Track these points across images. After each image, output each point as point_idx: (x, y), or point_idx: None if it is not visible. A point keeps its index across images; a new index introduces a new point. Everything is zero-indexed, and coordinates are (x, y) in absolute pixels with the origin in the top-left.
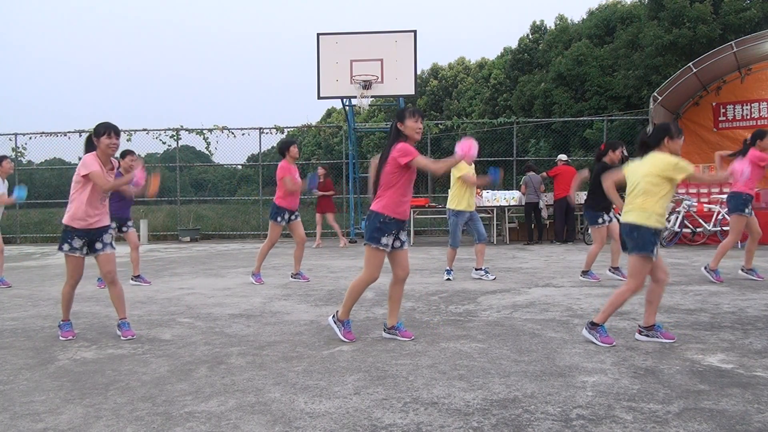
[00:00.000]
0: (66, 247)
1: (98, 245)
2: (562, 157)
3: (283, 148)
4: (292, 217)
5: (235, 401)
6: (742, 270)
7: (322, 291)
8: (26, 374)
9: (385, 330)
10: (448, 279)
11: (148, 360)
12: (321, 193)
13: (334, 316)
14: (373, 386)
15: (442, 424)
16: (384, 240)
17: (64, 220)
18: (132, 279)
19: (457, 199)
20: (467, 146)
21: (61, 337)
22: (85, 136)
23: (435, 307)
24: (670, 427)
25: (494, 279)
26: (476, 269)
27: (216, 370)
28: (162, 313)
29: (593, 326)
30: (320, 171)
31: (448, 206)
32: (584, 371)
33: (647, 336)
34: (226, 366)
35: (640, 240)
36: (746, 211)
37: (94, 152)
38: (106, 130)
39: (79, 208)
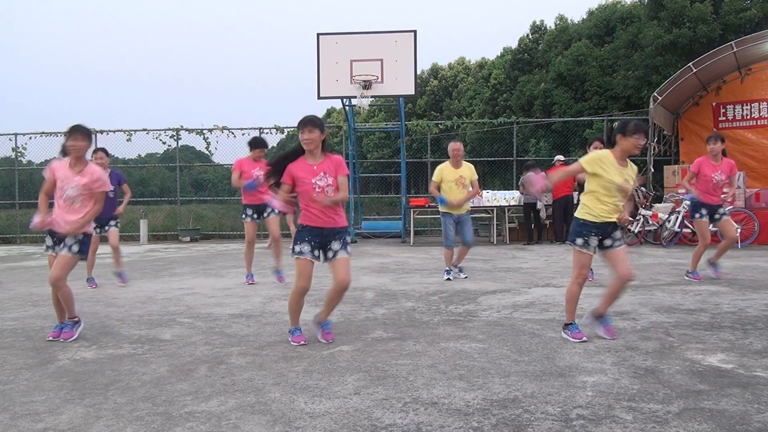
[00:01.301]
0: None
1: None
2: (560, 157)
3: (249, 145)
4: (265, 214)
5: (235, 401)
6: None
7: (322, 291)
8: (26, 374)
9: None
10: (448, 279)
11: (148, 360)
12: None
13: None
14: (373, 386)
15: (442, 424)
16: (297, 248)
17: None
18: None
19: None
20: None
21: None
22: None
23: (435, 307)
24: (670, 427)
25: (465, 278)
26: (454, 266)
27: (216, 370)
28: (162, 313)
29: (565, 326)
30: None
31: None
32: (584, 371)
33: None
34: (226, 366)
35: (571, 231)
36: (697, 215)
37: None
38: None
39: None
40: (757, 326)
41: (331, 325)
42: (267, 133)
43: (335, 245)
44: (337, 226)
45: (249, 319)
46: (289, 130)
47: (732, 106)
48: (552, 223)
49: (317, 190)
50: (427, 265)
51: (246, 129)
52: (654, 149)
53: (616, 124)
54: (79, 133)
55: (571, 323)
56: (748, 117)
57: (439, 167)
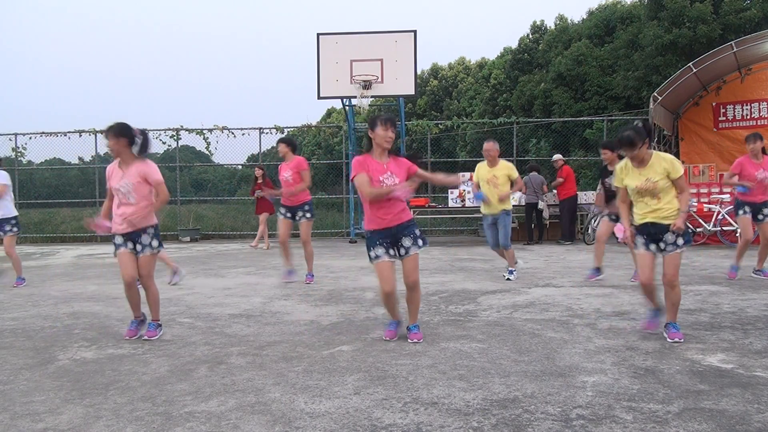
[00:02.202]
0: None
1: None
2: (559, 156)
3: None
4: (297, 217)
5: (235, 401)
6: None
7: (322, 291)
8: (26, 374)
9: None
10: (508, 279)
11: (148, 360)
12: (263, 194)
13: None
14: (373, 386)
15: (442, 424)
16: (372, 252)
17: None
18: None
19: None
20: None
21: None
22: (84, 136)
23: (435, 307)
24: (670, 427)
25: (507, 279)
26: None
27: (216, 370)
28: (162, 313)
29: (665, 325)
30: (258, 171)
31: None
32: (584, 371)
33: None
34: (226, 366)
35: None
36: (740, 212)
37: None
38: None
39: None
40: (757, 326)
41: (419, 327)
42: (267, 133)
43: (406, 242)
44: (404, 221)
45: (249, 319)
46: (289, 130)
47: (732, 106)
48: (554, 223)
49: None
50: (427, 265)
51: (246, 129)
52: (654, 149)
53: (638, 122)
54: (112, 131)
55: (656, 309)
56: (748, 117)
57: (477, 166)
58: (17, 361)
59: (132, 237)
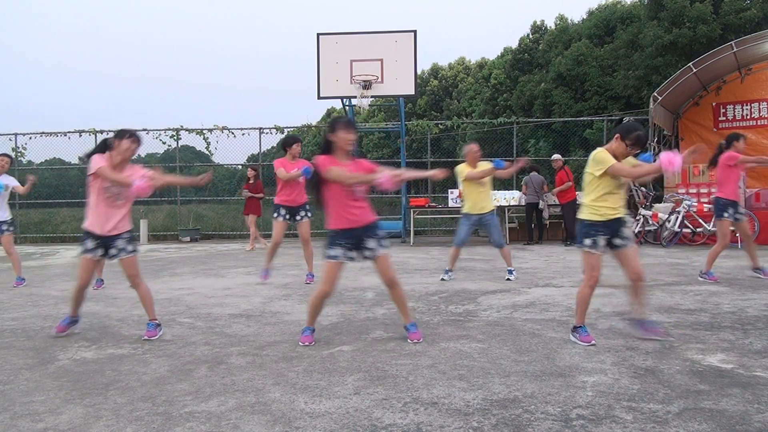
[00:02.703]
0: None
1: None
2: (557, 156)
3: (284, 145)
4: (298, 217)
5: (235, 401)
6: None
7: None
8: (26, 374)
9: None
10: (443, 279)
11: (148, 360)
12: (250, 194)
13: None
14: (373, 386)
15: (442, 424)
16: (331, 251)
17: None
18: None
19: (463, 202)
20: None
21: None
22: (84, 136)
23: (435, 307)
24: (670, 427)
25: (508, 279)
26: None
27: (216, 370)
28: (162, 313)
29: (574, 329)
30: (250, 172)
31: None
32: (584, 371)
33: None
34: (226, 366)
35: (578, 233)
36: (725, 215)
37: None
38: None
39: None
40: (757, 326)
41: (417, 325)
42: (267, 133)
43: (371, 243)
44: (368, 223)
45: (249, 319)
46: (289, 129)
47: (732, 106)
48: (564, 224)
49: (352, 191)
50: (427, 265)
51: (246, 129)
52: (654, 149)
53: (628, 119)
54: (136, 137)
55: (581, 326)
56: (748, 117)
57: (457, 168)
58: (17, 361)
59: (105, 243)
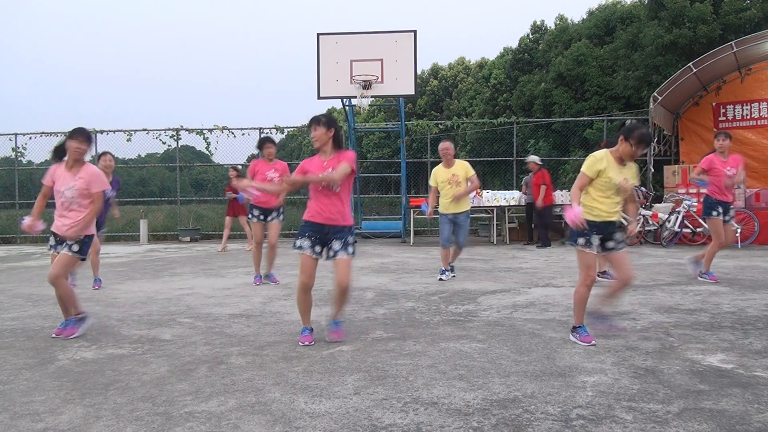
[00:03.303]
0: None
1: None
2: (534, 158)
3: (258, 146)
4: (269, 218)
5: (235, 401)
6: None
7: (322, 291)
8: (26, 374)
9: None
10: (441, 279)
11: (148, 360)
12: (234, 195)
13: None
14: (373, 386)
15: (442, 424)
16: (298, 242)
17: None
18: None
19: (440, 202)
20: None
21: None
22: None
23: (435, 307)
24: (670, 427)
25: (453, 277)
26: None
27: (216, 370)
28: (162, 313)
29: (574, 329)
30: (232, 173)
31: None
32: (584, 371)
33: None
34: (226, 366)
35: (572, 232)
36: (713, 213)
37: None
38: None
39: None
40: (757, 326)
41: (342, 325)
42: (267, 133)
43: (335, 245)
44: (338, 225)
45: (249, 319)
46: (289, 130)
47: (732, 106)
48: (534, 225)
49: (322, 185)
50: (427, 265)
51: (246, 129)
52: (654, 149)
53: (629, 121)
54: (83, 135)
55: (580, 326)
56: (748, 117)
57: (433, 171)
58: (17, 361)
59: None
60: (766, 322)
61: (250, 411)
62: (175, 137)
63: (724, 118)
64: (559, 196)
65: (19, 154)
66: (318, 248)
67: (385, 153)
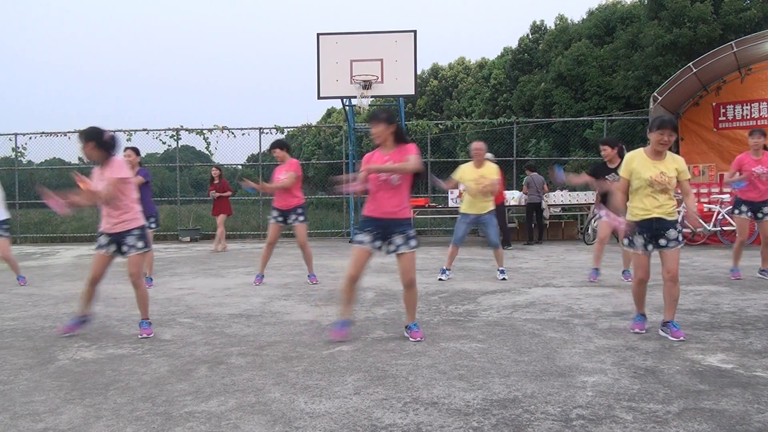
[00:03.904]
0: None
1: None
2: (487, 155)
3: (270, 149)
4: (290, 220)
5: (235, 401)
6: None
7: (322, 291)
8: (26, 374)
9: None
10: (440, 279)
11: (148, 360)
12: (218, 194)
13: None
14: (373, 386)
15: (442, 424)
16: (358, 237)
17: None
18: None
19: (462, 202)
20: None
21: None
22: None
23: (435, 307)
24: (670, 427)
25: (503, 279)
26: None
27: (216, 370)
28: (162, 313)
29: (665, 324)
30: (214, 172)
31: None
32: (584, 371)
33: (662, 331)
34: (226, 366)
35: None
36: (735, 211)
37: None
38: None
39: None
40: (757, 326)
41: (419, 325)
42: (267, 133)
43: (397, 239)
44: (399, 218)
45: (249, 319)
46: (289, 130)
47: (732, 106)
48: (501, 229)
49: (382, 178)
50: (427, 265)
51: (246, 129)
52: None
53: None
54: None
55: (640, 314)
56: (748, 117)
57: (460, 167)
58: (17, 361)
59: (116, 239)
60: (766, 322)
61: (250, 411)
62: (175, 137)
63: (724, 118)
64: (560, 196)
65: (19, 154)
66: (378, 243)
67: None
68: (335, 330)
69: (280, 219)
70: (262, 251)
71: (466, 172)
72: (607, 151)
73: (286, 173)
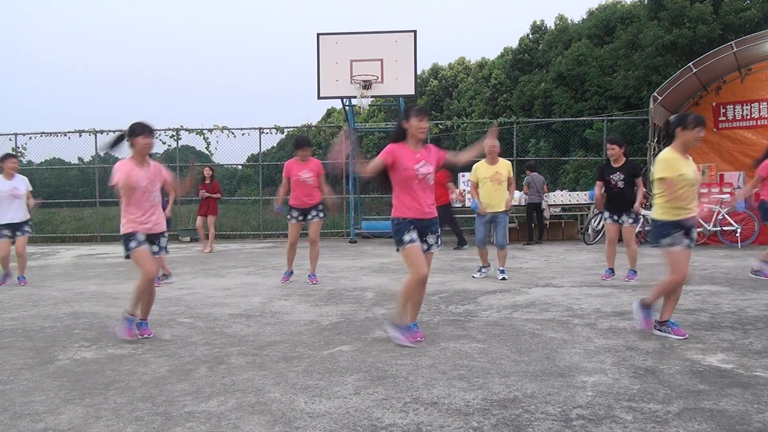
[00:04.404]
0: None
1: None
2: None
3: (295, 146)
4: (309, 216)
5: (235, 401)
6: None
7: (322, 291)
8: (26, 374)
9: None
10: (474, 276)
11: (148, 360)
12: (208, 194)
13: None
14: (373, 386)
15: (442, 424)
16: (406, 236)
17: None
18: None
19: (479, 201)
20: None
21: (126, 336)
22: (84, 136)
23: (435, 307)
24: (670, 427)
25: (503, 279)
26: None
27: (216, 370)
28: (162, 313)
29: (661, 323)
30: (206, 172)
31: None
32: (584, 371)
33: (659, 330)
34: (226, 366)
35: (655, 234)
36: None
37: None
38: (142, 130)
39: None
40: (757, 326)
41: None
42: (267, 133)
43: (431, 239)
44: (433, 217)
45: (249, 319)
46: (289, 130)
47: (732, 106)
48: (452, 229)
49: (420, 177)
50: None
51: (246, 129)
52: (654, 149)
53: (672, 118)
54: (150, 131)
55: (668, 320)
56: (748, 117)
57: (474, 166)
58: (17, 361)
59: (152, 239)
60: (766, 322)
61: (250, 411)
62: (175, 137)
63: (724, 118)
64: (560, 196)
65: (19, 154)
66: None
67: None
68: (414, 333)
69: (300, 218)
70: (287, 251)
71: (481, 170)
72: (615, 150)
73: (308, 172)
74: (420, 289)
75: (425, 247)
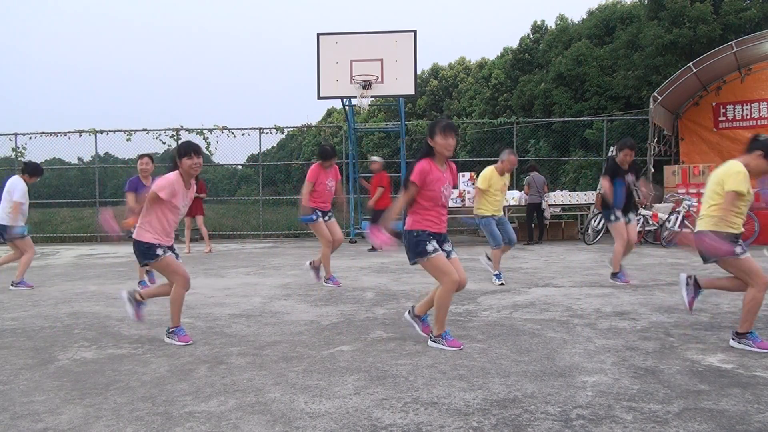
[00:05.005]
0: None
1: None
2: (375, 158)
3: (325, 156)
4: (326, 218)
5: (235, 401)
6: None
7: (322, 291)
8: (26, 374)
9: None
10: (501, 284)
11: (148, 360)
12: (196, 194)
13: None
14: (373, 386)
15: (442, 424)
16: (429, 246)
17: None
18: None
19: (478, 206)
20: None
21: (179, 342)
22: (84, 136)
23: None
24: (670, 427)
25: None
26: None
27: (216, 370)
28: (162, 313)
29: (740, 336)
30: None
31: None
32: (584, 371)
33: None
34: (226, 366)
35: (711, 246)
36: None
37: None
38: (187, 150)
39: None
40: (756, 326)
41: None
42: (267, 133)
43: (446, 246)
44: (446, 232)
45: (249, 319)
46: (289, 130)
47: (732, 106)
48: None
49: (443, 200)
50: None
51: (246, 129)
52: (654, 149)
53: (762, 136)
54: (196, 152)
55: (750, 332)
56: (748, 117)
57: (488, 173)
58: (17, 361)
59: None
60: (766, 322)
61: (250, 411)
62: (175, 137)
63: (724, 118)
64: (560, 196)
65: (19, 154)
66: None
67: (385, 153)
68: (454, 340)
69: (324, 218)
70: (324, 254)
71: (495, 181)
72: (632, 155)
73: (332, 180)
74: (451, 296)
75: (444, 255)
